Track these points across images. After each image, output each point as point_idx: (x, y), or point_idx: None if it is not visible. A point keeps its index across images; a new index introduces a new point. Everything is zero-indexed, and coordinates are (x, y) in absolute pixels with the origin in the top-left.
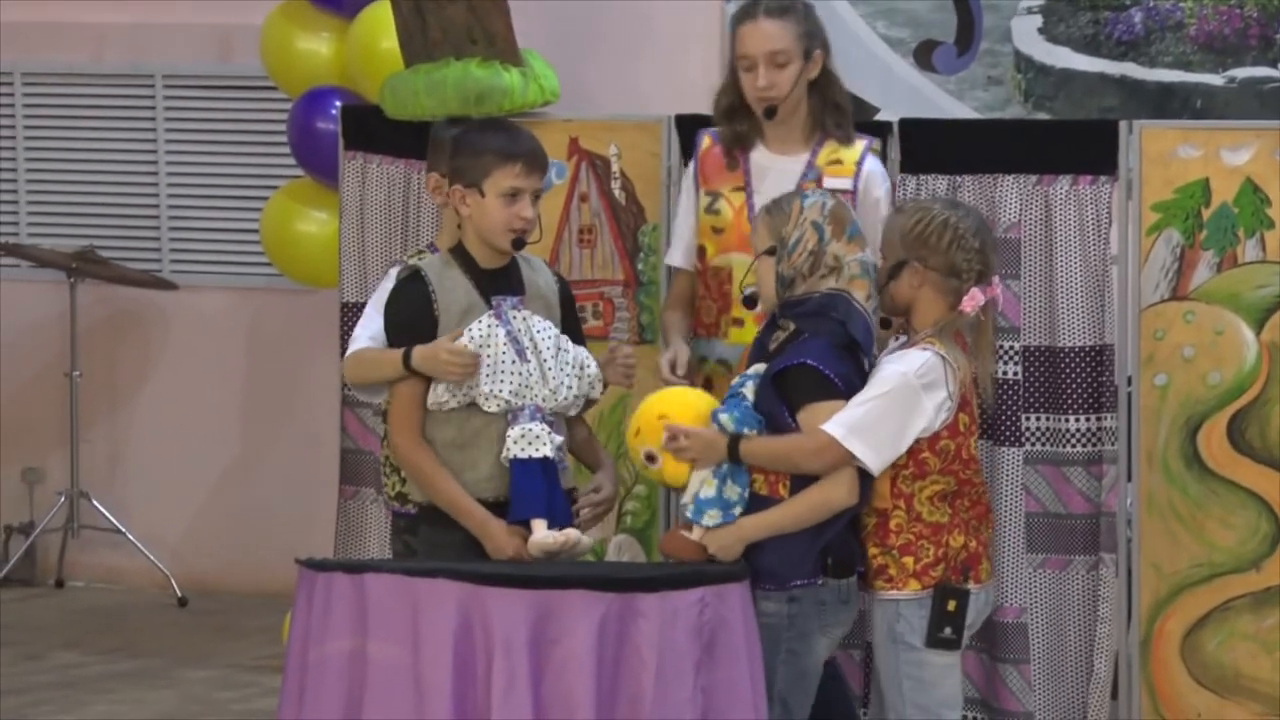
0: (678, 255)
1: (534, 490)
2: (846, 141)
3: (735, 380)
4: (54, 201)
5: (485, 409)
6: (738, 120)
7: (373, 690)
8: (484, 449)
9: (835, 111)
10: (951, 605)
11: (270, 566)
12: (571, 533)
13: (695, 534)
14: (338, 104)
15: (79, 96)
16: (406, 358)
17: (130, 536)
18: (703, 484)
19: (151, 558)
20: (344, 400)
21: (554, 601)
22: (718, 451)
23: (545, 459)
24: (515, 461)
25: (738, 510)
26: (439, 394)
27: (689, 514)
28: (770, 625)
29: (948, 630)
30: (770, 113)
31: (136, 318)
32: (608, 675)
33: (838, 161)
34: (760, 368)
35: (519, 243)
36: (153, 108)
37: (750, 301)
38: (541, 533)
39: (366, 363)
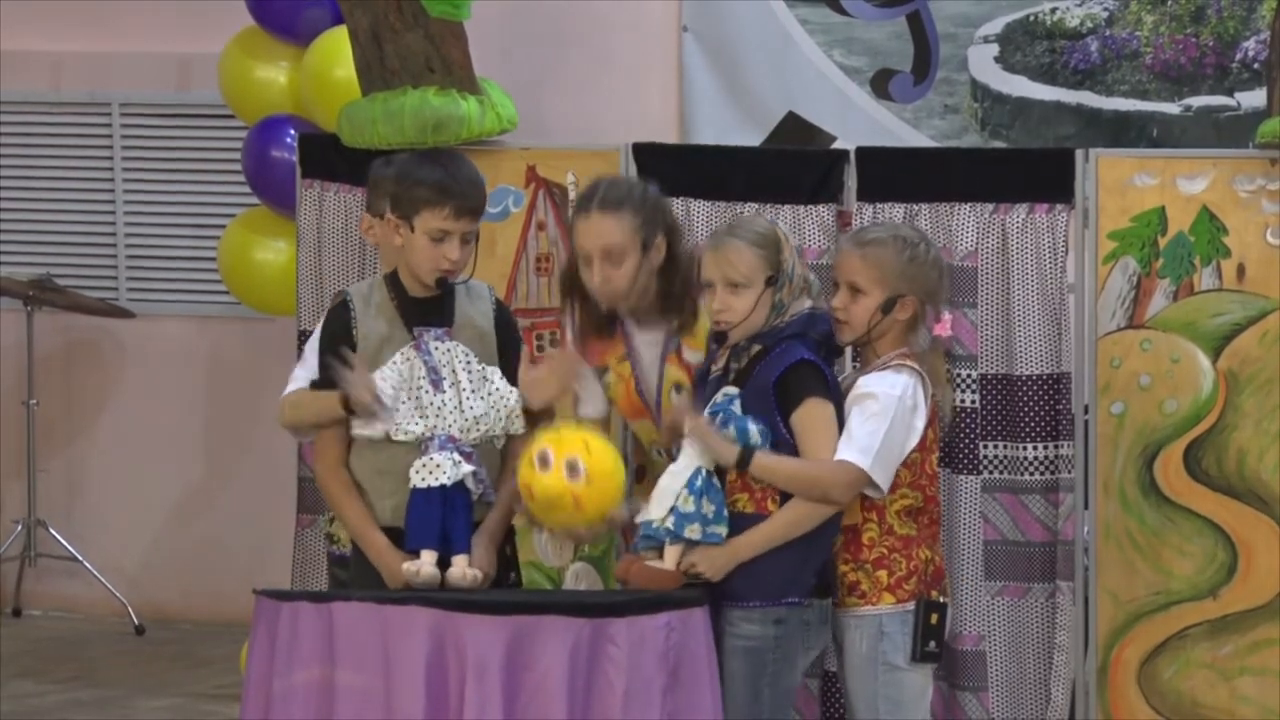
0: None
1: (426, 520)
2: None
3: (718, 402)
4: (11, 229)
5: (395, 439)
6: (587, 304)
7: (342, 719)
8: (400, 477)
9: (676, 301)
10: (934, 618)
11: (228, 595)
12: (454, 572)
13: (669, 558)
14: (292, 132)
15: (36, 125)
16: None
17: (87, 565)
18: (678, 499)
19: (109, 586)
20: None
21: (527, 627)
22: (727, 455)
23: (443, 487)
24: (415, 491)
25: (717, 527)
26: (357, 425)
27: (670, 526)
28: (754, 648)
29: (931, 644)
30: (612, 311)
31: (94, 346)
32: (579, 700)
33: (692, 334)
34: (733, 390)
35: (442, 282)
36: (110, 136)
37: (720, 337)
38: (414, 564)
39: (303, 405)
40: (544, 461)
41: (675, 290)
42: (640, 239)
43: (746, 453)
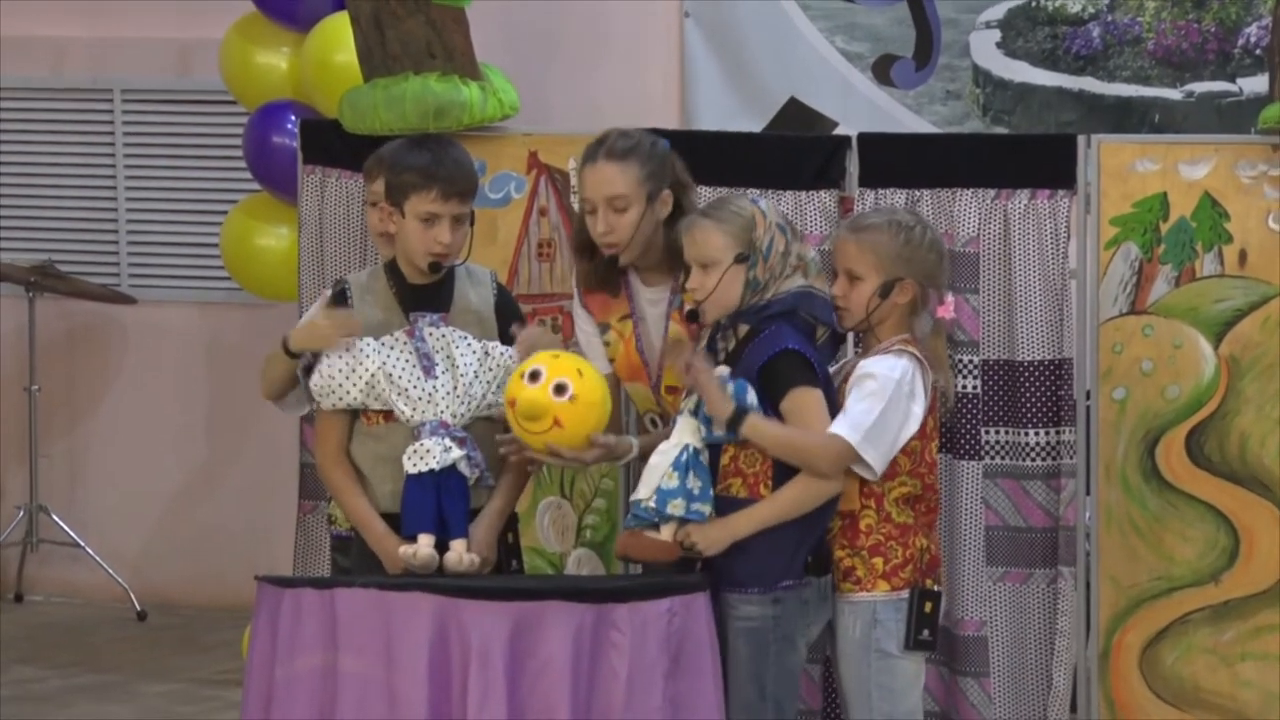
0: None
1: (421, 505)
2: None
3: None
4: (13, 215)
5: (399, 419)
6: (596, 258)
7: (345, 705)
8: (400, 464)
9: (681, 256)
10: (928, 607)
11: (230, 580)
12: (451, 556)
13: (665, 533)
14: (293, 118)
15: (38, 110)
16: (286, 343)
17: (89, 551)
18: (663, 477)
19: (111, 572)
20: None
21: (530, 613)
22: (721, 409)
23: (435, 473)
24: (408, 477)
25: (701, 505)
26: (322, 380)
27: (653, 504)
28: (755, 629)
29: (925, 632)
30: (614, 259)
31: (96, 332)
32: (583, 686)
33: None
34: (724, 370)
35: (436, 267)
36: (111, 122)
37: (693, 316)
38: (411, 547)
39: (265, 367)
40: (534, 376)
41: (680, 245)
42: (646, 190)
43: (740, 412)
